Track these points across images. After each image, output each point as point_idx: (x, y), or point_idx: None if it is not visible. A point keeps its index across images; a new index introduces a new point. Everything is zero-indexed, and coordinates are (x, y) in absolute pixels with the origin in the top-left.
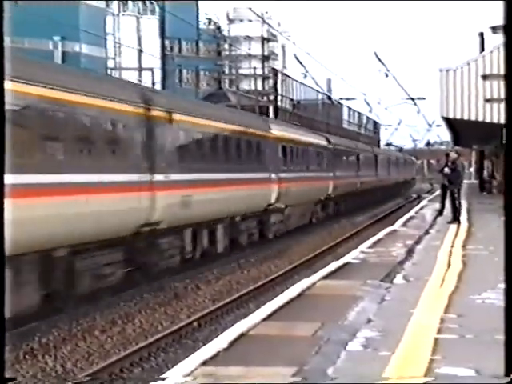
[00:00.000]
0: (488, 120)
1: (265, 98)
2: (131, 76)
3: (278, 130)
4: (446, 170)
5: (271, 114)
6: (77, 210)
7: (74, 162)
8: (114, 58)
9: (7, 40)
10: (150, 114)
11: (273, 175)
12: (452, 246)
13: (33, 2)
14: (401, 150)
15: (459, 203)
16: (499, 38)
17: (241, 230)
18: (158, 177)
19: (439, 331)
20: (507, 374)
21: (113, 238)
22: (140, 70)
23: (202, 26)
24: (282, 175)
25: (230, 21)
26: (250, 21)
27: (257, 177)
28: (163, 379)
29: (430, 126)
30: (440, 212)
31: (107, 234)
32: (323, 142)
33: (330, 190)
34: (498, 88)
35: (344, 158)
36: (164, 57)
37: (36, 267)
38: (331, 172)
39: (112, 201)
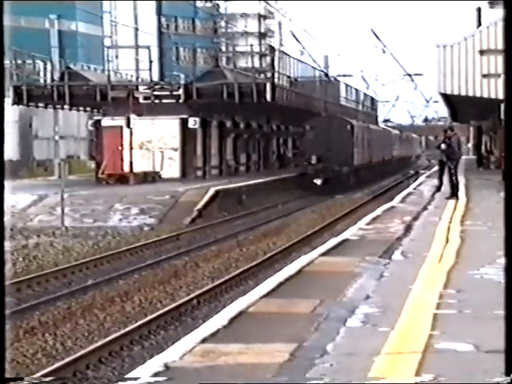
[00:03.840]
0: (485, 95)
1: (262, 76)
2: (128, 54)
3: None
4: (443, 146)
5: (268, 91)
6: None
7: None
8: (111, 37)
9: (6, 19)
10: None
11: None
12: (450, 222)
13: None
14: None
15: (456, 179)
16: (496, 13)
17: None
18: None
19: (438, 307)
20: (507, 374)
21: None
22: (137, 48)
23: (198, 3)
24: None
25: None
26: None
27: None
28: (135, 379)
29: (428, 102)
30: (438, 188)
31: None
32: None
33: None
34: (495, 63)
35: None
36: (161, 35)
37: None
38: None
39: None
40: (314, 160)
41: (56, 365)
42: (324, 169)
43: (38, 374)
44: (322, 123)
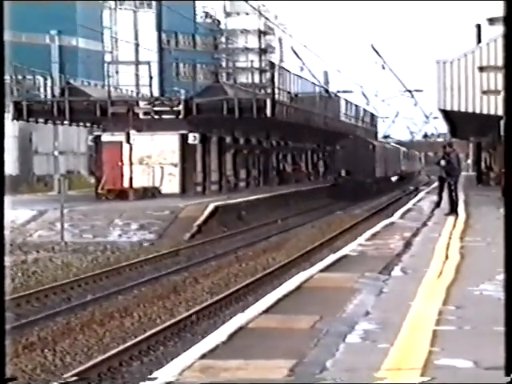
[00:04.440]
0: (485, 112)
1: (262, 92)
2: (128, 70)
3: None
4: (443, 162)
5: (268, 107)
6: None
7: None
8: (111, 52)
9: (6, 34)
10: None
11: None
12: (450, 238)
13: None
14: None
15: (456, 195)
16: (496, 30)
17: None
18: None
19: (437, 323)
20: (507, 374)
21: None
22: (137, 63)
23: (198, 19)
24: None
25: (227, 14)
26: (247, 14)
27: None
28: (152, 379)
29: (427, 118)
30: (437, 204)
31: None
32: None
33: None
34: (495, 80)
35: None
36: (161, 50)
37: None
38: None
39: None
40: (343, 173)
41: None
42: (352, 180)
43: None
44: (349, 143)
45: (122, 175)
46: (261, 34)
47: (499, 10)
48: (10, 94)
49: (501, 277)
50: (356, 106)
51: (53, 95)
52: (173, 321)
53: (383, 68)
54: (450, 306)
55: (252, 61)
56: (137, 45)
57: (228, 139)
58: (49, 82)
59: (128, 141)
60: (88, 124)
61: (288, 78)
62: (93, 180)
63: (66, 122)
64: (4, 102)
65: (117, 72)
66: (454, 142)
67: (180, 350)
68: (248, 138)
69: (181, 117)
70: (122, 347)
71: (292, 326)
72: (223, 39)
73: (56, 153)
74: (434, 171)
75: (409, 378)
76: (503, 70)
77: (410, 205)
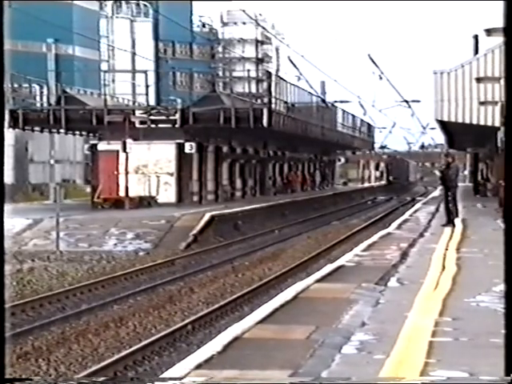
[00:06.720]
0: (482, 123)
1: (259, 101)
2: (125, 78)
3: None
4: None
5: (265, 117)
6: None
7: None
8: (108, 61)
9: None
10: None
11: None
12: (446, 249)
13: (26, 2)
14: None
15: (454, 205)
16: (493, 41)
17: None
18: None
19: (434, 334)
20: (507, 374)
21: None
22: (134, 72)
23: (195, 28)
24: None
25: (224, 23)
26: (244, 23)
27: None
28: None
29: (425, 128)
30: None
31: None
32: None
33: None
34: (493, 91)
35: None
36: (158, 59)
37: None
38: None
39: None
40: (391, 178)
41: None
42: (396, 182)
43: None
44: (395, 161)
45: (118, 184)
46: (258, 43)
47: (497, 20)
48: (6, 103)
49: (497, 288)
50: (353, 116)
51: (49, 104)
52: (168, 331)
53: (380, 78)
54: (447, 317)
55: (249, 70)
56: (133, 54)
57: (225, 149)
58: (45, 91)
59: (124, 150)
60: (84, 133)
61: (285, 88)
62: (89, 189)
63: (62, 131)
64: (4, 111)
65: (113, 81)
66: (450, 153)
67: (175, 360)
68: (245, 148)
69: (177, 126)
70: (116, 357)
71: (288, 337)
72: (220, 48)
73: (52, 161)
74: (430, 182)
75: None
76: (503, 80)
77: (406, 215)
